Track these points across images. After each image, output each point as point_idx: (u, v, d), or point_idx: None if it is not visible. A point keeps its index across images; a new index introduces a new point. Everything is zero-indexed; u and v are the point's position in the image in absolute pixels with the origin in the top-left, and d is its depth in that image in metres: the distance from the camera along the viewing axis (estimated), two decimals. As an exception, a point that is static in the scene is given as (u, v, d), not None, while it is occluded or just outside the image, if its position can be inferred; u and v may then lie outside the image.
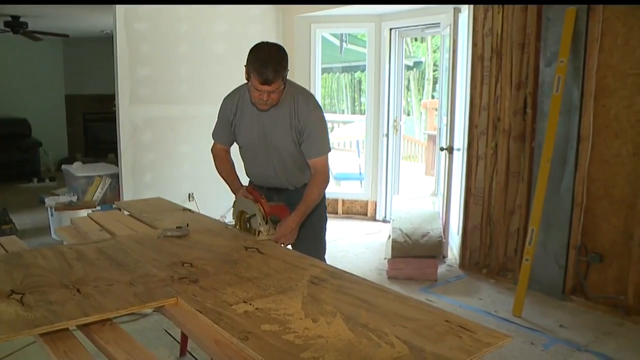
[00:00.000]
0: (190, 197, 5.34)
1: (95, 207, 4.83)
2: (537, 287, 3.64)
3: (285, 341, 1.32)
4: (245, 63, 2.19)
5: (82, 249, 2.05)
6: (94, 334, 1.43)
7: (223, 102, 2.49)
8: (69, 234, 2.53)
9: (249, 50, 2.21)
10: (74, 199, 5.00)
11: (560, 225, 3.58)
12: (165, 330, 3.05)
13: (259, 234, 2.23)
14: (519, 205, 3.89)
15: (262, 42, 2.22)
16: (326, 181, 2.39)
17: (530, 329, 3.14)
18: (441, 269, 4.23)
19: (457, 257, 4.43)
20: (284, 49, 2.23)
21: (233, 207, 2.43)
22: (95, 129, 9.36)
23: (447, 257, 4.55)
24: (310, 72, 5.84)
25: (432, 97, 11.27)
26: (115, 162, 5.53)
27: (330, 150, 2.40)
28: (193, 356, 2.79)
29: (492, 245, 4.09)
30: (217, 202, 5.53)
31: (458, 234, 4.47)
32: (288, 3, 5.61)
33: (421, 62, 11.84)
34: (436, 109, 10.23)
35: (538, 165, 3.68)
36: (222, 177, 2.56)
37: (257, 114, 2.34)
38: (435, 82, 11.91)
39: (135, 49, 4.78)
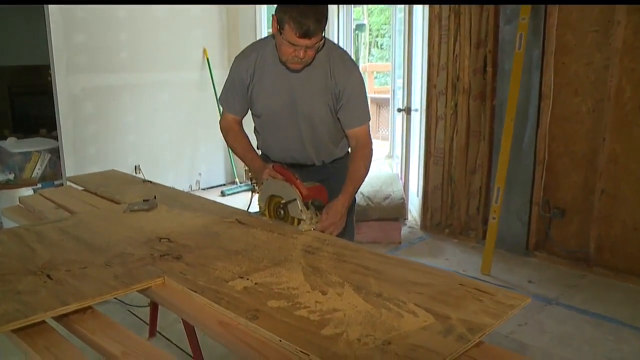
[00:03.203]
0: (136, 169, 5.06)
1: (37, 185, 4.48)
2: (501, 244, 3.69)
3: (299, 318, 1.20)
4: (274, 12, 1.80)
5: (42, 229, 1.83)
6: (75, 324, 1.25)
7: (235, 62, 2.05)
8: (19, 214, 2.28)
9: None
10: (11, 177, 4.61)
11: (523, 183, 3.62)
12: (130, 311, 2.86)
13: (299, 223, 1.86)
14: (480, 164, 3.90)
15: None
16: (372, 154, 2.04)
17: (500, 286, 3.16)
18: (403, 231, 4.21)
19: (418, 219, 4.42)
20: None
21: (257, 191, 2.02)
22: (23, 103, 8.67)
23: (407, 219, 4.54)
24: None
25: (368, 60, 11.25)
26: (49, 136, 5.14)
27: (370, 118, 2.06)
28: (163, 336, 2.62)
29: (453, 205, 4.11)
30: (165, 173, 5.30)
31: (418, 196, 4.46)
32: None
33: (364, 24, 11.74)
34: (375, 72, 10.34)
35: (499, 124, 3.69)
36: (237, 154, 2.18)
37: (283, 75, 1.95)
38: (374, 46, 11.87)
39: (70, 14, 4.39)
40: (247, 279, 1.42)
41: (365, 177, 2.01)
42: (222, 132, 2.18)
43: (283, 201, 1.89)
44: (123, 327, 1.25)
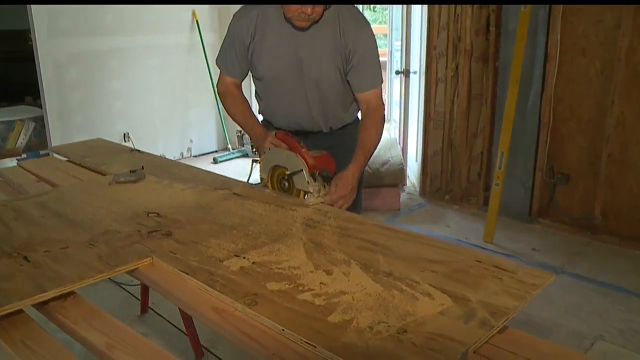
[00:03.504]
0: (125, 137, 4.90)
1: (21, 155, 4.31)
2: (503, 211, 3.58)
3: (302, 302, 1.09)
4: None
5: (20, 205, 1.70)
6: (55, 312, 1.13)
7: (234, 19, 1.88)
8: (-3, 187, 2.14)
9: None
10: (-7, 147, 4.44)
11: (526, 148, 3.50)
12: (120, 285, 2.75)
13: (306, 196, 1.71)
14: (482, 128, 3.76)
15: None
16: (384, 120, 1.89)
17: (504, 254, 3.08)
18: (401, 197, 4.10)
19: (417, 185, 4.31)
20: None
21: (260, 161, 1.84)
22: (6, 70, 8.39)
23: (405, 185, 4.42)
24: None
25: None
26: (35, 105, 4.95)
27: (383, 81, 1.92)
28: (156, 312, 2.52)
29: (454, 171, 3.99)
30: (155, 141, 5.15)
31: (417, 161, 4.33)
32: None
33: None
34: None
35: (502, 86, 3.54)
36: (236, 121, 2.00)
37: (288, 34, 1.80)
38: (366, 8, 11.53)
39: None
40: (244, 258, 1.30)
41: (377, 145, 1.86)
42: (219, 96, 2.02)
43: (288, 172, 1.74)
44: (108, 315, 1.13)
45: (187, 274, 1.22)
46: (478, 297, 1.10)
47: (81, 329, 1.08)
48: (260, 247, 1.36)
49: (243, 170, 5.13)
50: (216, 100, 5.47)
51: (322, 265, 1.25)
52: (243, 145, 5.73)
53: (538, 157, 3.47)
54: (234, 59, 1.91)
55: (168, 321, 2.43)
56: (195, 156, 5.61)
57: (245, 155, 5.63)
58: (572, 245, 3.20)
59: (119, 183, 1.91)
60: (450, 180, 4.04)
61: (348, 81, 1.86)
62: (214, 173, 2.08)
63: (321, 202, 1.68)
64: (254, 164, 1.91)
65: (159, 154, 5.29)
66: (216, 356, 2.19)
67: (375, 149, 1.86)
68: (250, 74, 1.97)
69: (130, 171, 1.99)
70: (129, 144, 4.74)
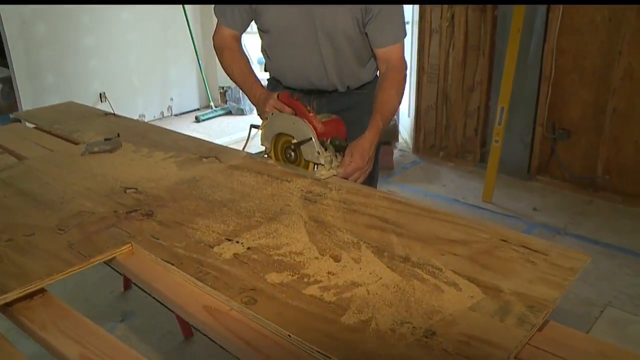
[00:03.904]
0: (102, 97, 4.63)
1: (-12, 119, 4.05)
2: (501, 168, 3.43)
3: (309, 299, 0.93)
4: None
5: (-21, 182, 1.50)
6: (20, 315, 0.97)
7: None
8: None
9: None
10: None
11: (526, 102, 3.34)
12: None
13: (316, 168, 1.50)
14: (479, 81, 3.58)
15: None
16: (405, 79, 1.68)
17: (504, 214, 2.97)
18: (394, 155, 3.94)
19: (410, 141, 4.15)
20: None
21: (261, 127, 1.60)
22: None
23: (397, 141, 4.26)
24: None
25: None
26: (1, 64, 4.63)
27: (406, 35, 1.70)
28: (141, 288, 2.37)
29: (449, 126, 3.83)
30: (134, 100, 4.90)
31: (409, 116, 4.16)
32: None
33: None
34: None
35: (501, 36, 3.35)
36: (234, 79, 1.76)
37: None
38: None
39: None
40: (237, 242, 1.13)
41: (397, 109, 1.65)
42: (215, 50, 1.78)
43: (294, 141, 1.51)
44: (81, 316, 0.97)
45: (173, 264, 1.06)
46: (511, 286, 0.95)
47: (50, 336, 0.92)
48: (255, 228, 1.19)
49: (227, 128, 4.92)
50: (197, 55, 5.19)
51: (328, 250, 1.09)
52: (226, 102, 5.50)
53: (538, 112, 3.31)
54: (234, 7, 1.68)
55: (154, 298, 2.28)
56: (176, 115, 5.37)
57: (229, 113, 5.40)
58: (574, 204, 3.09)
59: (93, 153, 1.72)
60: (445, 136, 3.88)
61: (366, 34, 1.64)
62: (199, 139, 1.90)
63: (334, 175, 1.47)
64: (252, 129, 1.71)
65: (138, 114, 5.08)
66: (206, 336, 2.05)
67: (395, 113, 1.66)
68: (255, 25, 1.73)
69: (105, 139, 1.80)
70: (105, 105, 4.49)
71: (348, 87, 1.76)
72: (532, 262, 1.03)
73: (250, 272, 1.02)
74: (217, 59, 1.81)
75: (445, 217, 1.23)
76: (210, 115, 5.28)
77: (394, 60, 1.64)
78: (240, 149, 1.76)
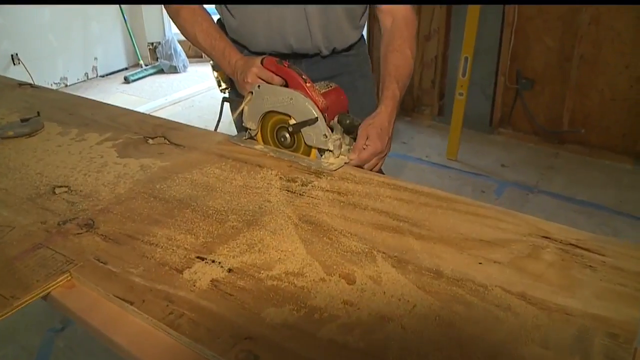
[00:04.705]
0: (14, 59, 4.08)
1: None
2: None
3: (329, 346, 0.69)
4: None
5: None
6: None
7: None
8: None
9: None
10: None
11: (487, 50, 3.15)
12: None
13: (322, 154, 1.20)
14: (435, 29, 3.36)
15: None
16: (416, 37, 1.39)
17: (473, 173, 2.81)
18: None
19: (362, 98, 3.91)
20: None
21: (245, 102, 1.25)
22: None
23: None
24: None
25: None
26: None
27: None
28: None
29: (404, 80, 3.60)
30: (53, 61, 4.37)
31: (361, 71, 3.90)
32: None
33: None
34: None
35: (460, -20, 3.11)
36: (198, 44, 1.38)
37: None
38: None
39: None
40: (213, 262, 0.87)
41: (412, 71, 1.34)
42: (167, 11, 1.41)
43: (293, 122, 1.19)
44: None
45: (130, 302, 0.78)
46: (578, 305, 0.75)
47: None
48: (232, 239, 0.93)
49: (160, 89, 4.50)
50: (120, 8, 4.66)
51: (336, 266, 0.84)
52: (157, 60, 5.03)
53: (500, 61, 3.14)
54: None
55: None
56: (102, 76, 4.87)
57: (161, 72, 4.95)
58: (541, 158, 2.99)
59: (6, 139, 1.38)
60: (400, 90, 3.66)
61: None
62: (140, 113, 1.58)
63: (345, 164, 1.18)
64: (225, 103, 1.38)
65: (59, 77, 4.55)
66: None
67: (410, 77, 1.35)
68: None
69: (22, 120, 1.44)
70: (19, 68, 3.96)
71: (334, 49, 1.43)
72: (590, 266, 0.83)
73: (239, 310, 0.76)
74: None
75: (466, 207, 1.01)
76: (141, 75, 4.83)
77: (403, 11, 1.35)
78: (181, 113, 1.45)
